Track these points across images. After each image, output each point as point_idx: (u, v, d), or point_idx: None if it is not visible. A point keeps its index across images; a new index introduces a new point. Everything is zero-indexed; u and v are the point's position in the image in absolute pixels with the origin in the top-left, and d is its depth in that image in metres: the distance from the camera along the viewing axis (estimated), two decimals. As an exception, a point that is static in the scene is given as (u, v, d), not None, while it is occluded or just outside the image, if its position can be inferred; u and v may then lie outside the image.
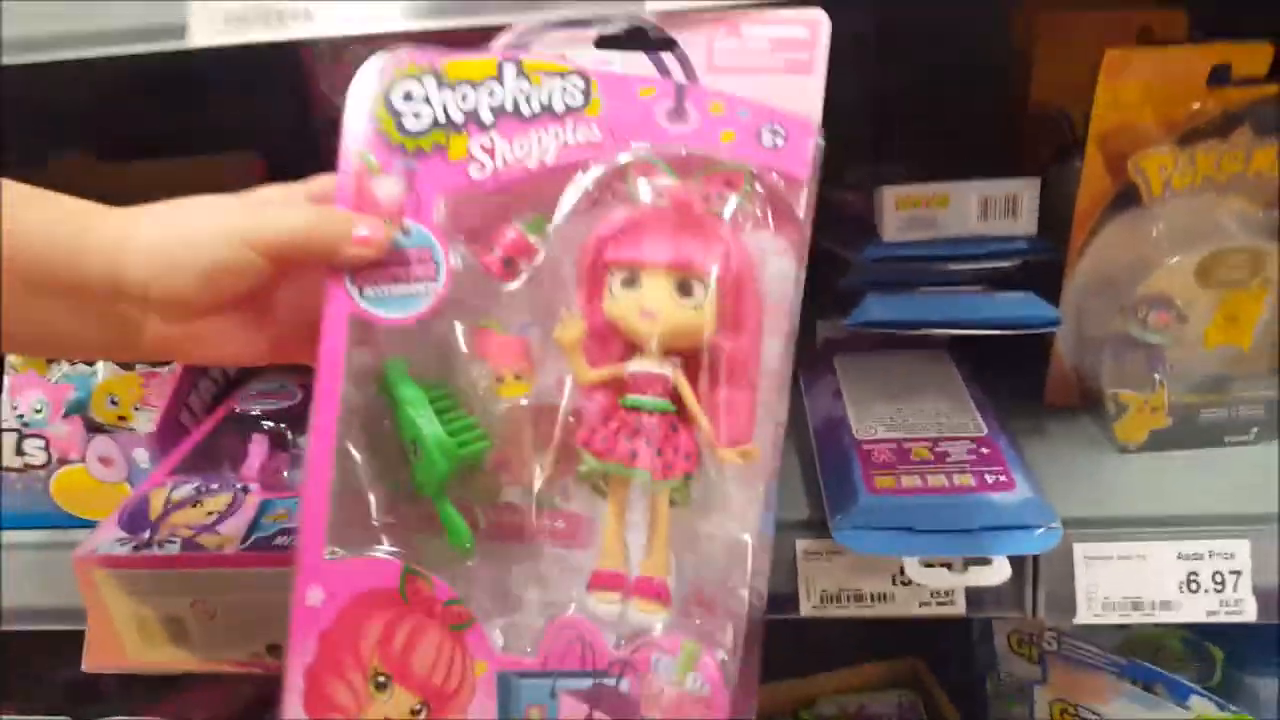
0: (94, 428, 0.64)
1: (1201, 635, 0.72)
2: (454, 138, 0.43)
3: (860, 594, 0.59)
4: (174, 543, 0.53)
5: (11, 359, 0.67)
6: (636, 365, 0.42)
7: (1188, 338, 0.60)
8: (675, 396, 0.42)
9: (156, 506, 0.57)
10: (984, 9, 0.75)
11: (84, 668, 0.56)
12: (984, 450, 0.58)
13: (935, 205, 0.62)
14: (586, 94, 0.43)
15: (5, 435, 0.62)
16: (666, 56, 0.45)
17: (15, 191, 0.40)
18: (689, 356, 0.43)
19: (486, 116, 0.43)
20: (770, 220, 0.43)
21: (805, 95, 0.44)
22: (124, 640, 0.54)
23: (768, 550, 0.44)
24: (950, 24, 0.79)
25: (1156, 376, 0.60)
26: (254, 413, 0.68)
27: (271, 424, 0.67)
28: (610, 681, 0.38)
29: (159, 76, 0.85)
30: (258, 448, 0.64)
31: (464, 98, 0.43)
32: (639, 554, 0.43)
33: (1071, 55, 0.65)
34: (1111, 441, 0.63)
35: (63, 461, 0.62)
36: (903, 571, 0.58)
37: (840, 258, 0.70)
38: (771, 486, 0.43)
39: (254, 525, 0.53)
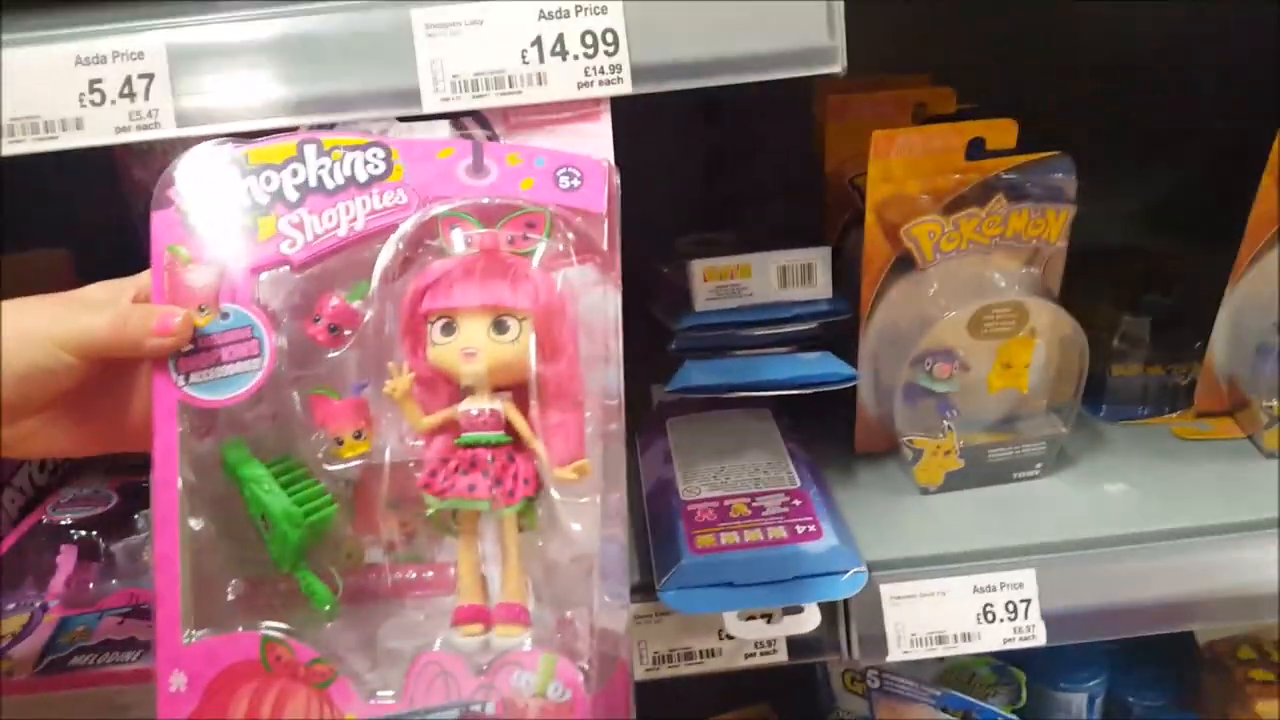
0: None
1: (1005, 660, 0.77)
2: (261, 220, 0.45)
3: (690, 652, 0.61)
4: (-36, 671, 0.50)
5: None
6: (468, 404, 0.44)
7: (972, 384, 0.66)
8: (509, 428, 0.44)
9: None
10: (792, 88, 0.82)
11: None
12: (796, 502, 0.62)
13: (740, 275, 0.65)
14: (388, 162, 0.46)
15: None
16: (466, 119, 0.49)
17: None
18: (516, 390, 0.45)
19: (292, 195, 0.45)
20: (574, 255, 0.46)
21: (597, 140, 0.48)
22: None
23: (622, 560, 0.45)
24: (766, 101, 0.84)
25: (945, 422, 0.65)
26: (64, 522, 0.64)
27: (83, 533, 0.64)
28: (476, 708, 0.39)
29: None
30: (65, 560, 0.61)
31: (268, 180, 0.45)
32: (498, 584, 0.44)
33: (855, 131, 0.71)
34: (913, 484, 0.67)
35: None
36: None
37: (665, 327, 0.73)
38: (620, 500, 0.45)
39: (49, 646, 0.51)
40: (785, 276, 0.66)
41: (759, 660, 0.61)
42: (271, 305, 0.45)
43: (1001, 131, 0.61)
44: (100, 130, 0.46)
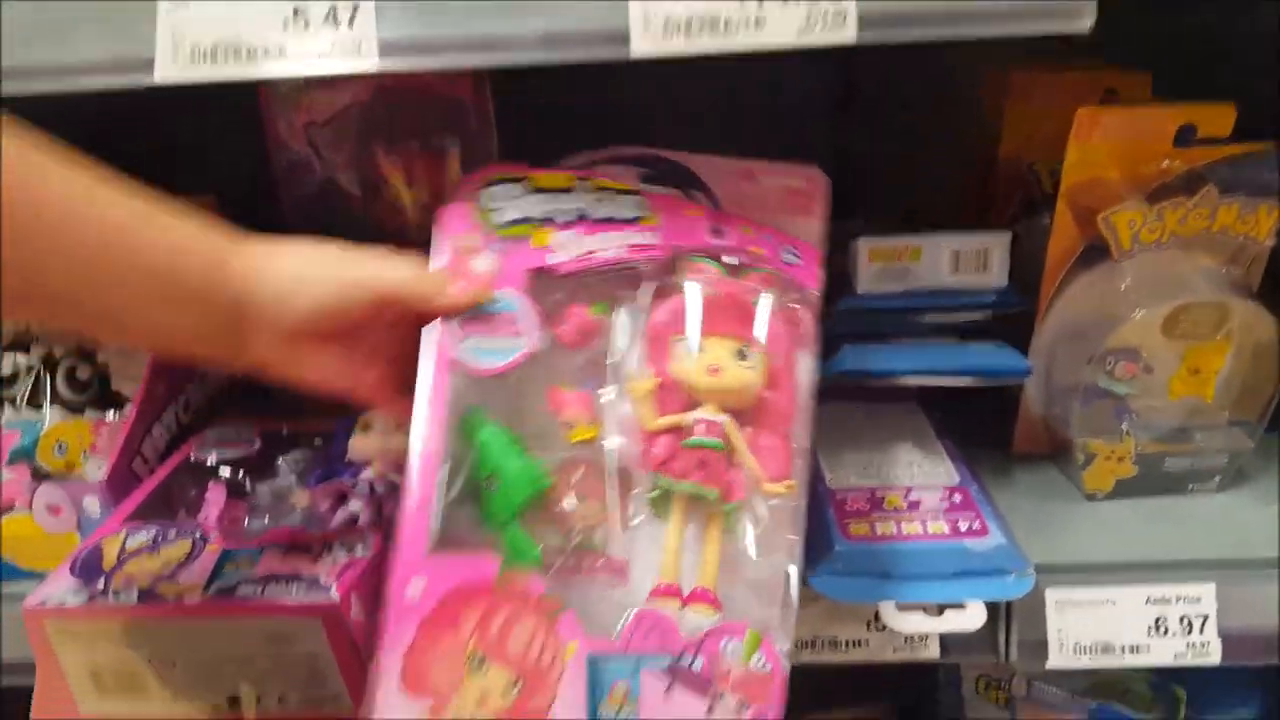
0: (40, 475, 0.61)
1: (1165, 677, 0.73)
2: (536, 231, 0.52)
3: (836, 640, 0.59)
4: (130, 592, 0.51)
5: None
6: (700, 413, 0.48)
7: (1153, 388, 0.62)
8: (727, 442, 0.48)
9: (110, 555, 0.54)
10: (956, 68, 0.78)
11: (33, 721, 0.53)
12: (956, 498, 0.59)
13: (908, 258, 0.63)
14: (644, 208, 0.54)
15: (-51, 480, 0.60)
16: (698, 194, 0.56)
17: (162, 210, 0.45)
18: (736, 414, 0.49)
19: (565, 217, 0.53)
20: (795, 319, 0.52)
21: (810, 233, 0.56)
22: (76, 694, 0.52)
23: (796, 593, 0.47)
24: (921, 83, 0.81)
25: (1123, 426, 0.61)
26: (210, 461, 0.65)
27: (229, 472, 0.65)
28: (685, 662, 0.41)
29: (111, 117, 0.83)
30: (215, 496, 0.62)
31: (546, 201, 0.53)
32: (690, 574, 0.47)
33: (1039, 113, 0.67)
34: (1079, 489, 0.64)
35: (6, 510, 0.59)
36: (878, 618, 0.58)
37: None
38: (797, 544, 0.47)
39: (215, 574, 0.51)
40: (958, 262, 0.63)
41: (907, 655, 0.59)
42: (532, 299, 0.50)
43: (1217, 117, 0.57)
44: (302, 56, 0.46)
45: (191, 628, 0.50)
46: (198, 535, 0.55)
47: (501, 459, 0.46)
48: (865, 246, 0.63)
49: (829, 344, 0.66)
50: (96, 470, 0.61)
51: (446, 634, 0.42)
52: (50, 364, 0.64)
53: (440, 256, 0.52)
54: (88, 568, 0.53)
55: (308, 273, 0.48)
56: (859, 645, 0.59)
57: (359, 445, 0.64)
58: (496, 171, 0.55)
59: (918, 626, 0.55)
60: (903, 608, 0.55)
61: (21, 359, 0.65)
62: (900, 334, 0.64)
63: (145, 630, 0.50)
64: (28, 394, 0.64)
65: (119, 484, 0.61)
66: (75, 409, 0.64)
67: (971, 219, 0.74)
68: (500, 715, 0.40)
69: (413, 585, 0.43)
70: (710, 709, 0.41)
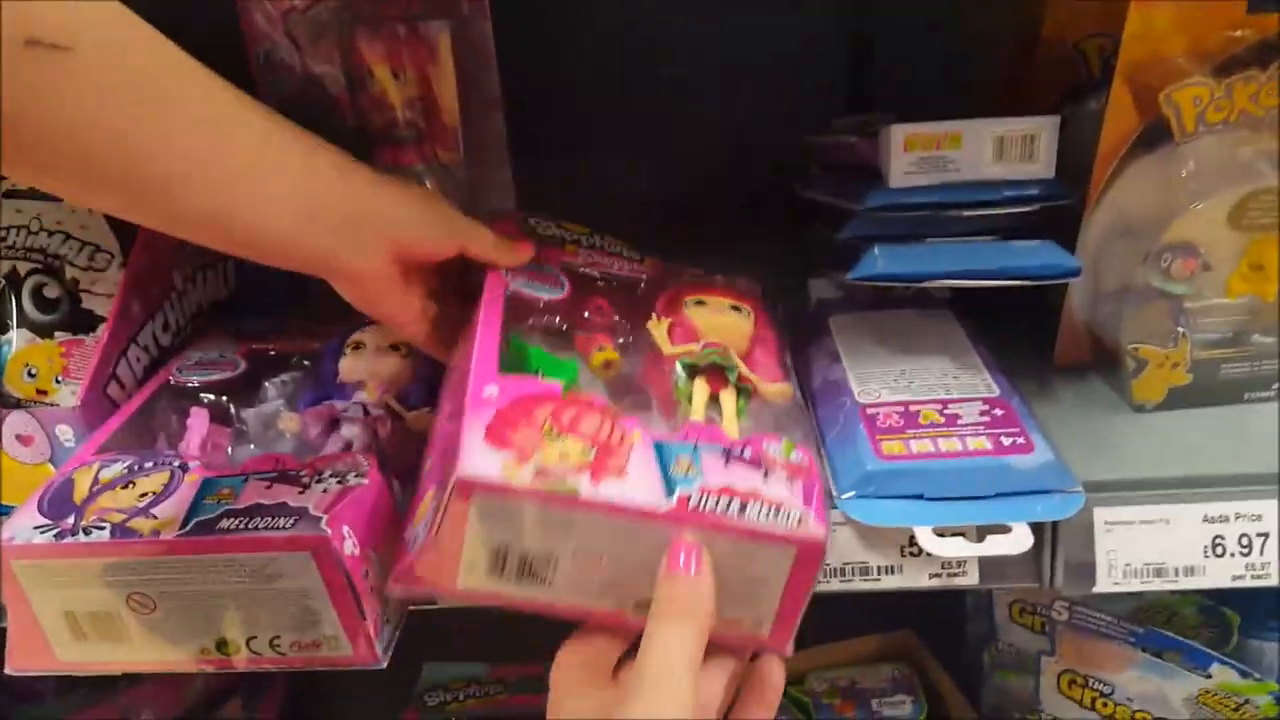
0: (9, 403, 0.57)
1: (1215, 600, 0.69)
2: (567, 245, 0.64)
3: (867, 567, 0.55)
4: (103, 528, 0.47)
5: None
6: (706, 339, 0.56)
7: (1210, 287, 0.56)
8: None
9: (82, 488, 0.50)
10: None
11: (7, 670, 0.50)
12: (997, 412, 0.54)
13: (947, 146, 0.57)
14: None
15: (-98, 412, 0.55)
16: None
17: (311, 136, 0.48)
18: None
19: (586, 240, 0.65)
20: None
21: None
22: (51, 640, 0.48)
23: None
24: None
25: (1179, 330, 0.56)
26: (192, 384, 0.61)
27: (211, 396, 0.61)
28: (737, 451, 0.46)
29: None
30: (197, 422, 0.57)
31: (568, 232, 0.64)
32: None
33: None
34: (1126, 400, 0.59)
35: (-28, 440, 0.55)
36: (912, 542, 0.54)
37: (834, 209, 0.65)
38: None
39: (195, 507, 0.47)
40: (1002, 149, 0.57)
41: (944, 582, 0.55)
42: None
43: (1298, -23, 0.51)
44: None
45: (170, 564, 0.45)
46: (176, 465, 0.51)
47: (540, 362, 0.53)
48: (900, 133, 0.56)
49: (850, 248, 0.62)
50: (70, 396, 0.57)
51: (522, 417, 0.44)
52: (15, 282, 0.60)
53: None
54: (57, 502, 0.49)
55: (428, 206, 0.52)
56: (891, 572, 0.55)
57: (350, 366, 0.59)
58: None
59: (958, 551, 0.51)
60: (941, 532, 0.51)
61: (-18, 275, 0.60)
62: (933, 233, 0.59)
63: (121, 569, 0.46)
64: (-10, 313, 0.59)
65: (94, 410, 0.56)
66: (44, 330, 0.59)
67: (999, 110, 0.68)
68: (582, 465, 0.42)
69: (488, 389, 0.45)
70: (765, 477, 0.45)
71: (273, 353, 0.66)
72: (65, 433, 0.55)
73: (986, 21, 0.73)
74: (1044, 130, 0.56)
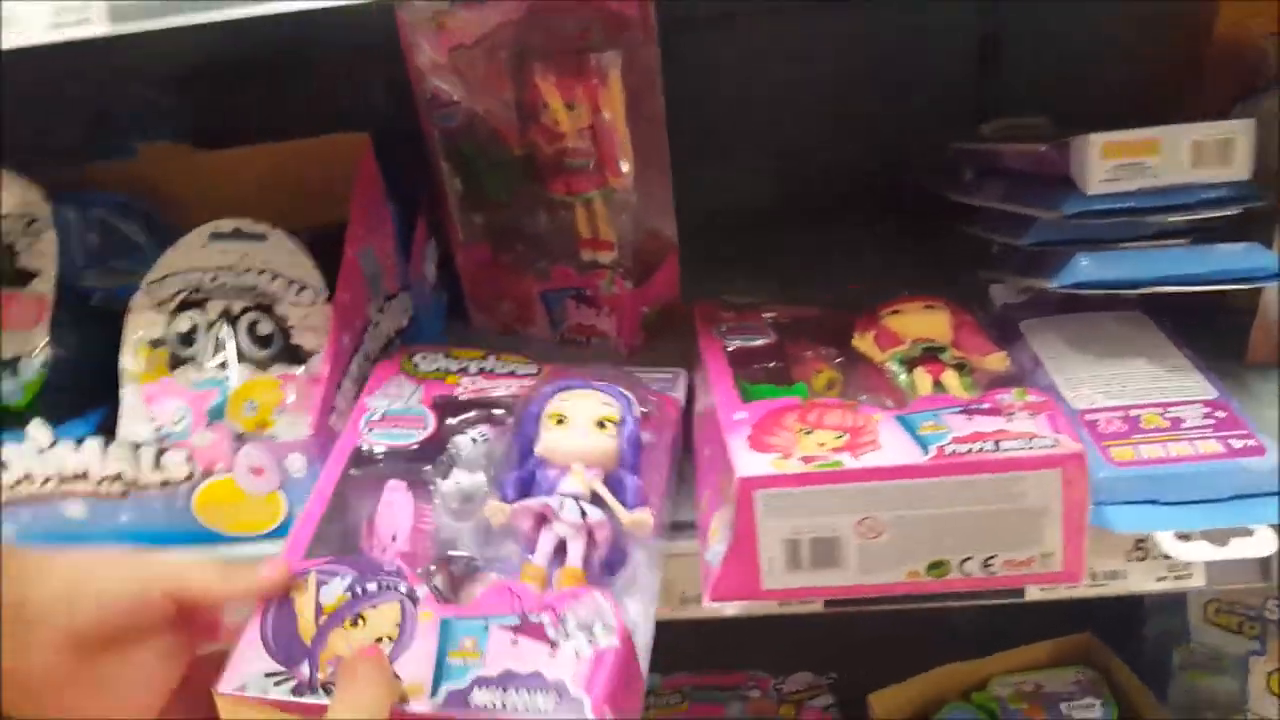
0: (236, 435, 0.58)
1: None
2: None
3: (1092, 573, 0.55)
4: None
5: (131, 366, 0.62)
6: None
7: None
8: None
9: (306, 617, 0.46)
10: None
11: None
12: (1219, 414, 0.54)
13: (1145, 153, 0.57)
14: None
15: (143, 450, 0.57)
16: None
17: None
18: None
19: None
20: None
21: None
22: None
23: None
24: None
25: (1389, 327, 0.56)
26: (381, 451, 0.56)
27: (405, 465, 0.55)
28: (974, 406, 0.51)
29: (246, 62, 0.79)
30: (402, 512, 0.53)
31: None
32: None
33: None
34: (1326, 401, 0.59)
35: (208, 474, 0.57)
36: (1138, 546, 0.54)
37: (1013, 216, 0.65)
38: None
39: (440, 667, 0.43)
40: (1199, 154, 0.57)
41: (1172, 585, 0.55)
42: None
43: None
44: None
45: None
46: (403, 591, 0.46)
47: (770, 394, 0.57)
48: (1098, 142, 0.57)
49: (1033, 255, 0.62)
50: (288, 428, 0.58)
51: (775, 425, 0.50)
52: (230, 320, 0.61)
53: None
54: (282, 638, 0.45)
55: (96, 570, 0.45)
56: (1116, 577, 0.55)
57: (554, 445, 0.52)
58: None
59: (1203, 555, 0.51)
60: (1182, 536, 0.51)
61: (198, 315, 0.62)
62: (1129, 239, 0.59)
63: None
64: (210, 351, 0.61)
65: (322, 440, 0.57)
66: (261, 365, 0.60)
67: (1166, 113, 0.68)
68: (839, 447, 0.47)
69: (738, 414, 0.51)
70: (1008, 420, 0.48)
71: (461, 398, 0.61)
72: (296, 462, 0.56)
73: (1146, 24, 0.73)
74: (1240, 133, 0.56)
